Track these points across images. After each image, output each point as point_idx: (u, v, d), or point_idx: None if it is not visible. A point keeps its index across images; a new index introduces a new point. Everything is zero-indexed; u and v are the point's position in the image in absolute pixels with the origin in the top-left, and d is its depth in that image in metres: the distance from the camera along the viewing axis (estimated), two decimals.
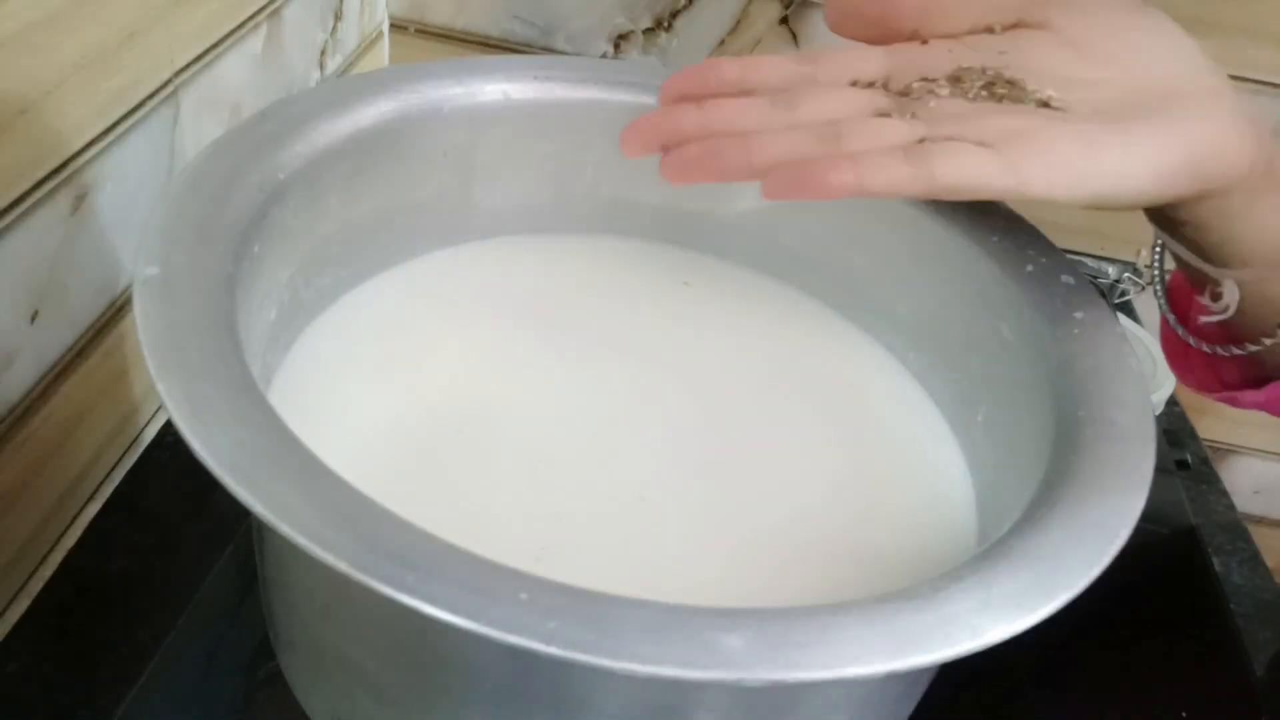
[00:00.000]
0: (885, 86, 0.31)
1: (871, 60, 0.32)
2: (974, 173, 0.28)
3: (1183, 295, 0.38)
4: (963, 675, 0.30)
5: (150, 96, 0.45)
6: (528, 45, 0.71)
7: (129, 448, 0.49)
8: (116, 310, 0.45)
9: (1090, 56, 0.31)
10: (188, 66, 0.47)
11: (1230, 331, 0.35)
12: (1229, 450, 0.84)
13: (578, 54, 0.71)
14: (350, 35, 0.66)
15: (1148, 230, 0.35)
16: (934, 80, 0.31)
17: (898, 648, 0.24)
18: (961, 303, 0.41)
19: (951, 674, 0.31)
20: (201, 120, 0.49)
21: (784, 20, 0.68)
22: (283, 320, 0.37)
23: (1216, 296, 0.34)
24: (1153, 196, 0.30)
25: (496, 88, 0.42)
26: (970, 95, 0.30)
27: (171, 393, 0.26)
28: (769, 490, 0.38)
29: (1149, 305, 0.72)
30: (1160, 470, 0.31)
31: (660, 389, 0.41)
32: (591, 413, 0.39)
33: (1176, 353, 0.39)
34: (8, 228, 0.38)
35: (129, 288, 0.46)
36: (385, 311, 0.42)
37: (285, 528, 0.23)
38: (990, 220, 0.41)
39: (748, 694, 0.28)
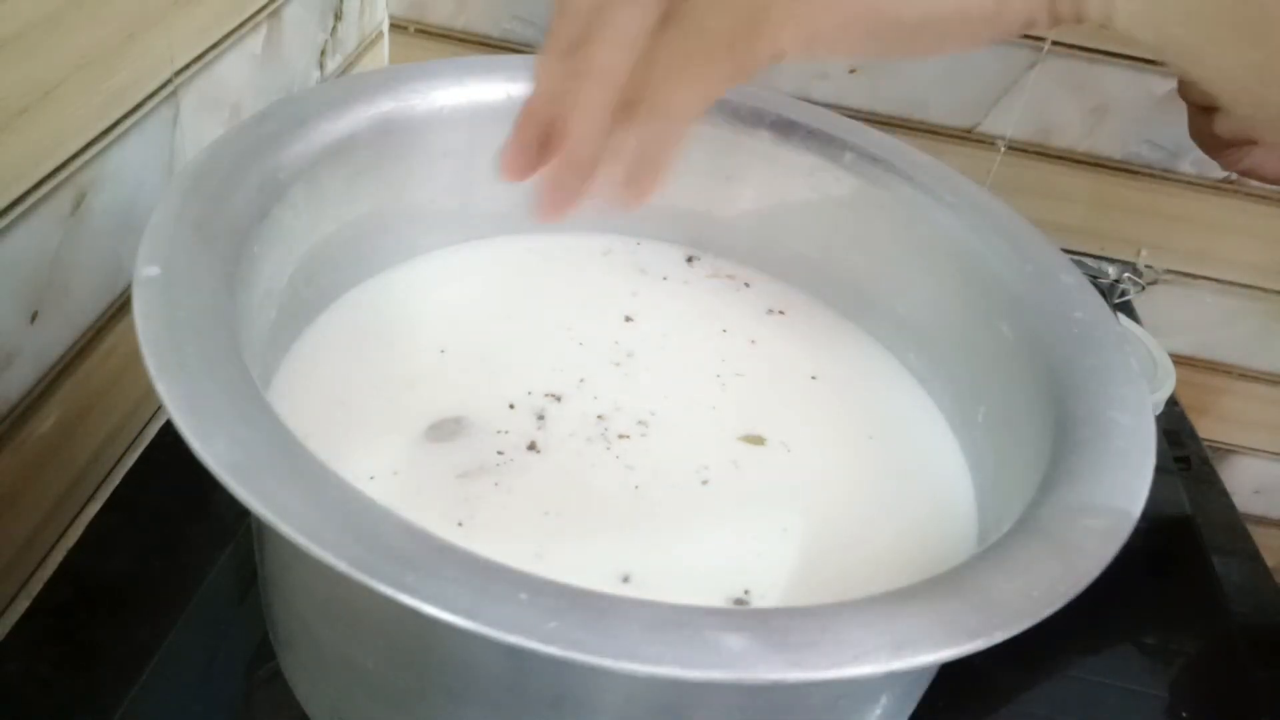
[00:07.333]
0: None
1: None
2: None
3: None
4: (963, 675, 0.30)
5: (150, 96, 0.45)
6: (528, 45, 0.71)
7: (129, 448, 0.49)
8: (116, 310, 0.45)
9: None
10: (188, 66, 0.47)
11: None
12: (1229, 450, 0.84)
13: None
14: (350, 35, 0.66)
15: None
16: None
17: (898, 648, 0.24)
18: (961, 303, 0.41)
19: (951, 674, 0.31)
20: (201, 120, 0.49)
21: None
22: (283, 320, 0.37)
23: None
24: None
25: (496, 88, 0.42)
26: None
27: (171, 393, 0.26)
28: (768, 490, 0.38)
29: (1149, 305, 0.72)
30: (1160, 470, 0.30)
31: (659, 386, 0.41)
32: (591, 411, 0.39)
33: None
34: (8, 228, 0.38)
35: (129, 288, 0.46)
36: (385, 311, 0.42)
37: (285, 528, 0.23)
38: (990, 220, 0.41)
39: (748, 694, 0.28)
